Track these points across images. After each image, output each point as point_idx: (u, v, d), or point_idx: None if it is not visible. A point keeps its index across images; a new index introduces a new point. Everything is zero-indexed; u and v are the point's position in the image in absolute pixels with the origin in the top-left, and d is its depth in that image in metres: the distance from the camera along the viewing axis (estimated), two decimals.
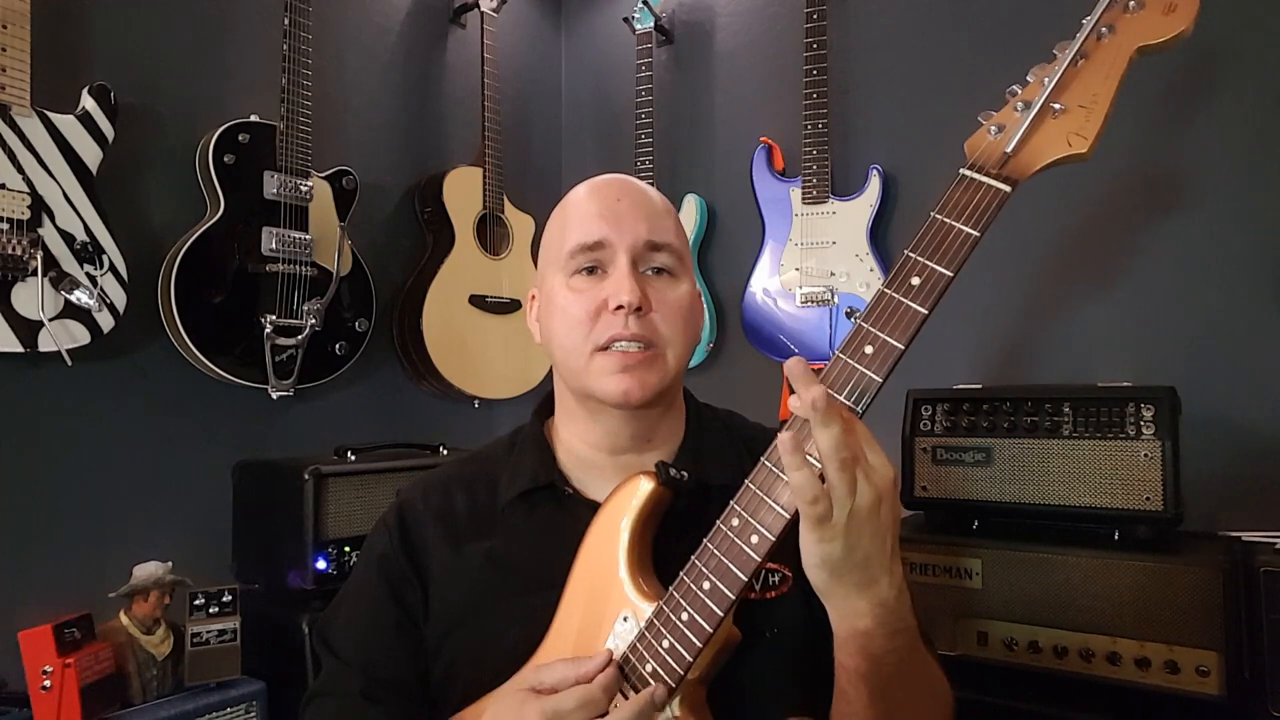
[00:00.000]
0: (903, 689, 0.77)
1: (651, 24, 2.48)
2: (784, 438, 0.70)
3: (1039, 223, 1.90)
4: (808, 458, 0.69)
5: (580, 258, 0.90)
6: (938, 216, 0.72)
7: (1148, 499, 1.40)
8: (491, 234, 2.37)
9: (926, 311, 0.69)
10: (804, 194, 2.16)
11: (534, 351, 2.41)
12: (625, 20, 2.54)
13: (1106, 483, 1.43)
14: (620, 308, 0.86)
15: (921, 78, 2.14)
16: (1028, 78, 0.73)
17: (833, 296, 2.11)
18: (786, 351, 2.18)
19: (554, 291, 0.92)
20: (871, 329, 0.71)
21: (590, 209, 0.91)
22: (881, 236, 2.12)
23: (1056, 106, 0.70)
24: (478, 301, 2.32)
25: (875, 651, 0.74)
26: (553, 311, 0.92)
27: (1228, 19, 1.69)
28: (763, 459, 0.75)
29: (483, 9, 2.42)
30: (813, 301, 2.13)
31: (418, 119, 2.43)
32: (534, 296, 0.99)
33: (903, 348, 0.70)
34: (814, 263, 2.14)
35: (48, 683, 1.35)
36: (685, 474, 0.85)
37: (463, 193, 2.33)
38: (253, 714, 1.54)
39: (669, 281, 0.91)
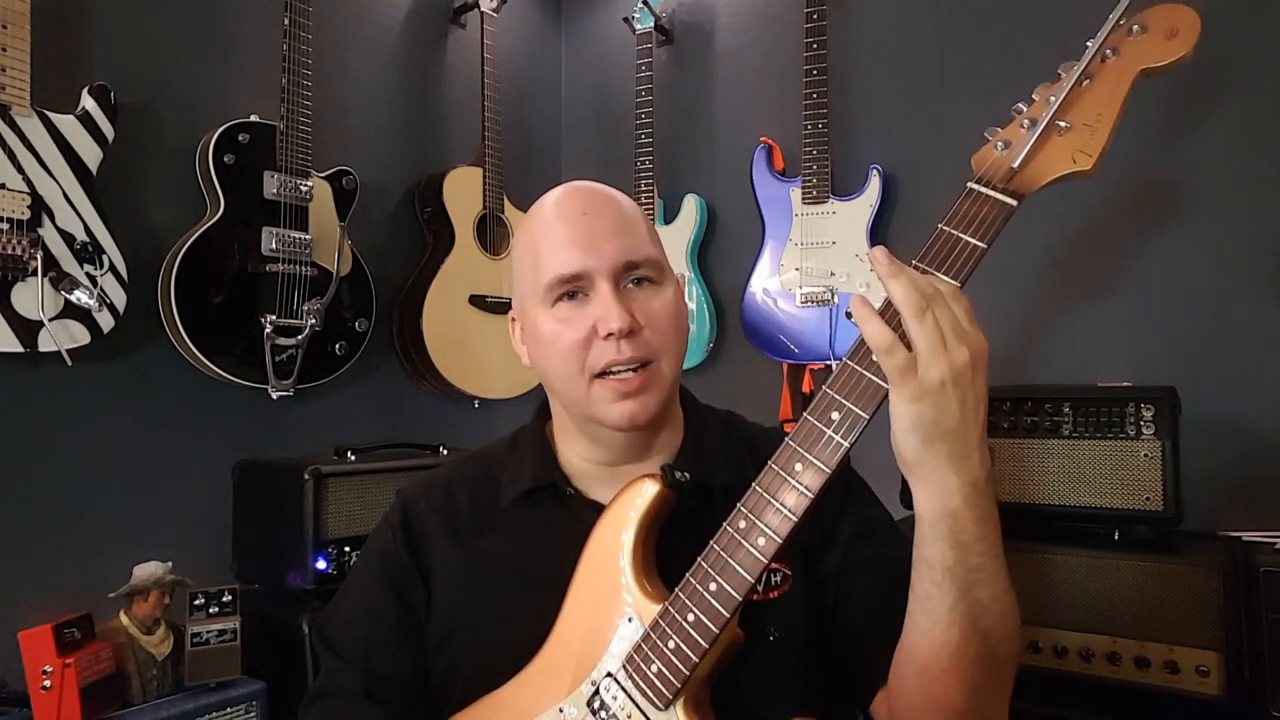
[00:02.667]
0: (987, 589, 0.72)
1: (651, 24, 2.48)
2: (854, 300, 0.72)
3: (1039, 224, 1.90)
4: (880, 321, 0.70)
5: (559, 289, 0.87)
6: (945, 228, 0.73)
7: (1148, 499, 1.40)
8: (491, 234, 2.37)
9: None
10: (804, 194, 2.16)
11: None
12: (625, 20, 2.54)
13: (1106, 483, 1.44)
14: (611, 334, 0.84)
15: (921, 78, 2.13)
16: (1033, 96, 0.75)
17: (833, 296, 2.11)
18: (787, 351, 2.18)
19: (538, 322, 0.89)
20: None
21: (560, 235, 0.88)
22: (882, 236, 2.12)
23: (1062, 124, 0.71)
24: (478, 301, 2.32)
25: (964, 538, 0.70)
26: (541, 343, 0.90)
27: (1224, 28, 1.69)
28: (770, 462, 0.76)
29: (483, 9, 2.41)
30: (813, 301, 2.13)
31: (418, 119, 2.43)
32: (514, 319, 0.97)
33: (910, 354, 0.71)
34: (814, 263, 2.14)
35: (48, 683, 1.35)
36: (687, 476, 0.85)
37: (463, 193, 2.33)
38: (253, 714, 1.54)
39: (652, 291, 0.89)
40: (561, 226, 0.88)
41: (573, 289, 0.87)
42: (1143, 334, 1.83)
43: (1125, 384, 1.53)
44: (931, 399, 0.67)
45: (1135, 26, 0.71)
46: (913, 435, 0.69)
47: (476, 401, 2.36)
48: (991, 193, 0.72)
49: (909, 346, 0.68)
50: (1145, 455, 1.41)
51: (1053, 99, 0.72)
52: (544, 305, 0.88)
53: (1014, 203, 0.72)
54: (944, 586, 0.72)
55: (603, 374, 0.86)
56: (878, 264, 0.71)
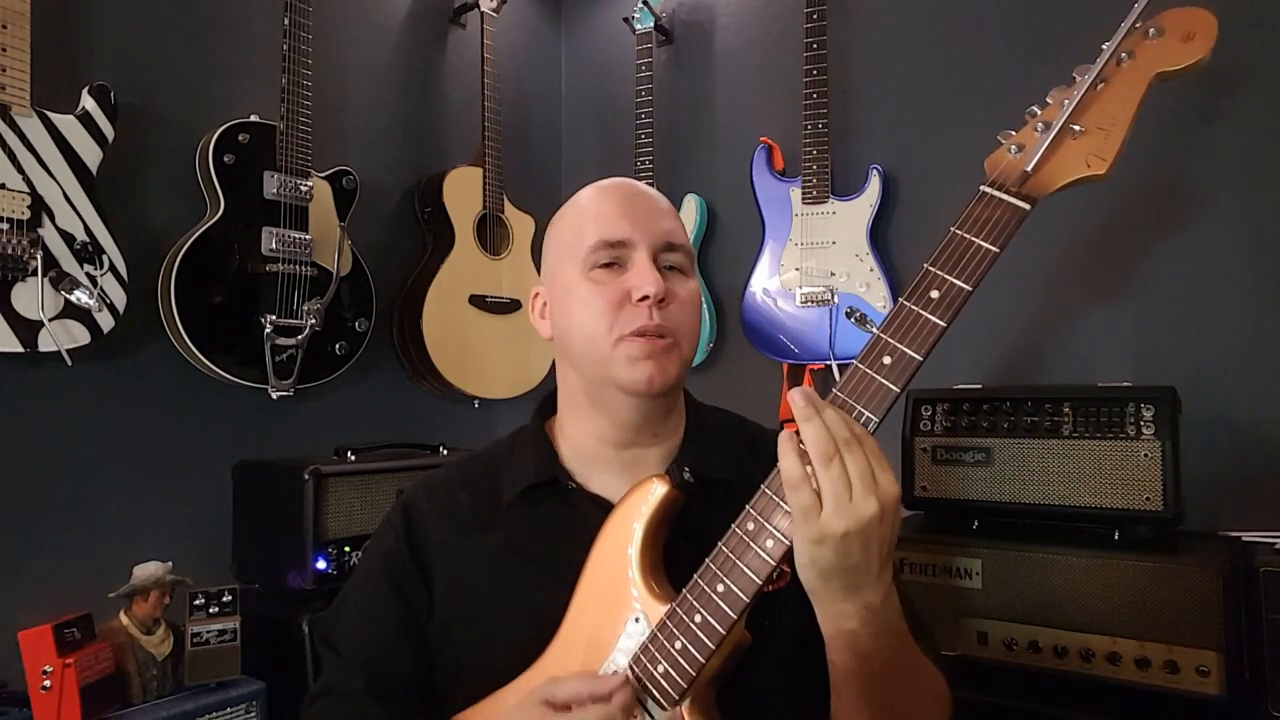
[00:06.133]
0: (893, 685, 0.77)
1: (651, 24, 2.48)
2: (782, 435, 0.71)
3: (1040, 224, 1.89)
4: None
5: (602, 253, 0.90)
6: (958, 232, 0.73)
7: (1148, 499, 1.40)
8: (491, 234, 2.37)
9: (945, 325, 0.71)
10: (804, 194, 2.16)
11: (534, 351, 2.41)
12: (625, 20, 2.54)
13: (1106, 483, 1.44)
14: (645, 298, 0.87)
15: (921, 78, 2.13)
16: (1047, 99, 0.74)
17: (833, 296, 2.11)
18: (786, 351, 2.18)
19: (572, 284, 0.92)
20: (890, 340, 0.73)
21: (609, 207, 0.93)
22: (882, 236, 2.12)
23: (1076, 128, 0.71)
24: (478, 301, 2.32)
25: (862, 650, 0.74)
26: (572, 304, 0.92)
27: (1228, 32, 1.69)
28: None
29: (483, 9, 2.41)
30: (813, 301, 2.13)
31: (418, 119, 2.43)
32: (537, 295, 0.99)
33: (921, 359, 0.71)
34: (814, 263, 2.14)
35: (48, 683, 1.35)
36: (691, 477, 0.86)
37: (463, 193, 2.33)
38: (253, 714, 1.54)
39: (681, 279, 0.93)
40: (611, 200, 0.94)
41: (613, 257, 0.90)
42: (1143, 334, 1.83)
43: (1125, 384, 1.53)
44: (832, 545, 0.69)
45: (1151, 30, 0.70)
46: (811, 570, 0.72)
47: (476, 401, 2.36)
48: (1005, 196, 0.72)
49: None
50: (1145, 455, 1.41)
51: (1067, 102, 0.71)
52: (581, 268, 0.91)
53: (1027, 207, 0.71)
54: (850, 685, 0.77)
55: (627, 337, 0.88)
56: (795, 406, 0.72)
